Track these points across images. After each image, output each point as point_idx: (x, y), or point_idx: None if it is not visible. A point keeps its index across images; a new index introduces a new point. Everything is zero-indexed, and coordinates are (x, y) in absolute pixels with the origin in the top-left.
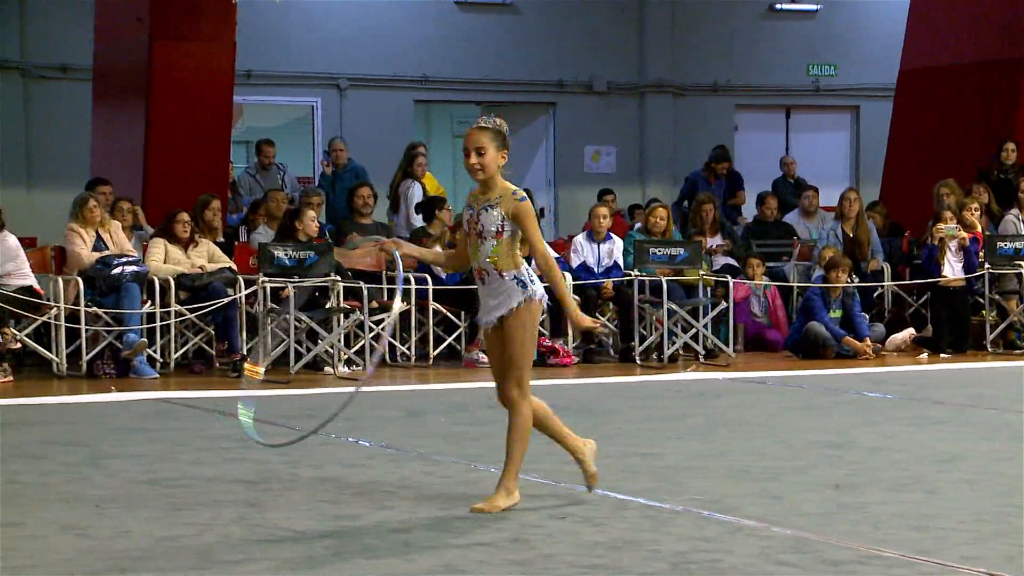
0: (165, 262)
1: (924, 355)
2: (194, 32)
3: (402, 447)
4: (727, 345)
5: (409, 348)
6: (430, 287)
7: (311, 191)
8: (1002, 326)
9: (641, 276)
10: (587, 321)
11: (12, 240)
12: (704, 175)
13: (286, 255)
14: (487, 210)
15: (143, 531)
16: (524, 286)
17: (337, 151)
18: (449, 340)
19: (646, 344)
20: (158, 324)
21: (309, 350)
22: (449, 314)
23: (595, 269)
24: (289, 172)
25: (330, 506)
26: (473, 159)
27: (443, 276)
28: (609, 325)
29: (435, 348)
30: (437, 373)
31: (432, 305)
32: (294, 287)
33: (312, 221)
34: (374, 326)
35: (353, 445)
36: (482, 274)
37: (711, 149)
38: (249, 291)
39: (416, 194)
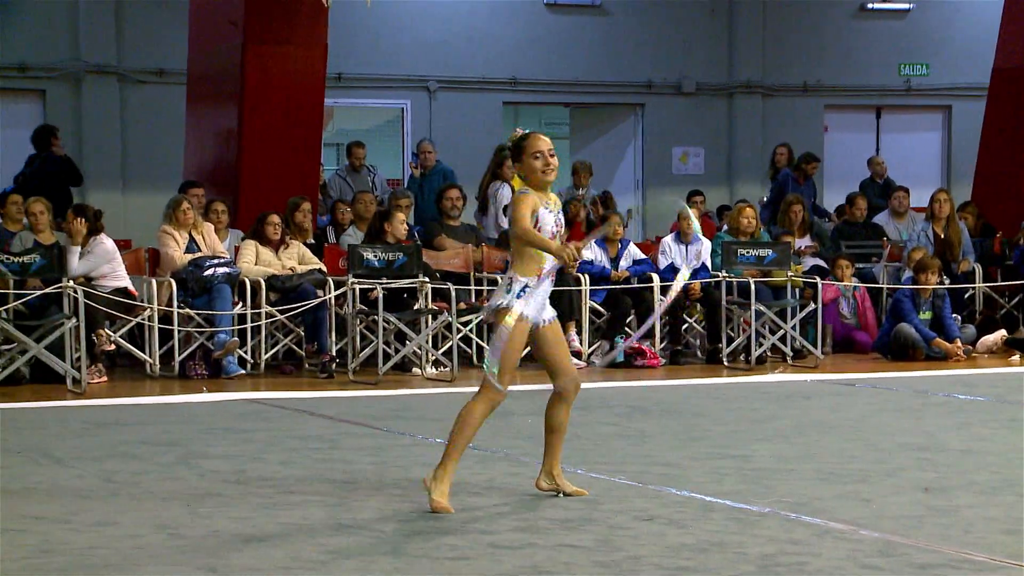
0: (256, 264)
1: (1016, 357)
2: (287, 36)
3: (489, 448)
4: (815, 347)
5: None
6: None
7: (400, 193)
8: None
9: (729, 277)
10: (570, 247)
11: (109, 243)
12: (793, 176)
13: (375, 256)
14: (561, 213)
15: (233, 530)
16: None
17: (426, 153)
18: None
19: (733, 346)
20: (249, 325)
21: (397, 351)
22: None
23: (682, 270)
24: (379, 174)
25: (416, 507)
26: (553, 160)
27: None
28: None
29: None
30: (523, 374)
31: None
32: (383, 288)
33: (401, 223)
34: (461, 327)
35: (440, 446)
36: (553, 275)
37: (801, 151)
38: (339, 292)
39: (505, 196)
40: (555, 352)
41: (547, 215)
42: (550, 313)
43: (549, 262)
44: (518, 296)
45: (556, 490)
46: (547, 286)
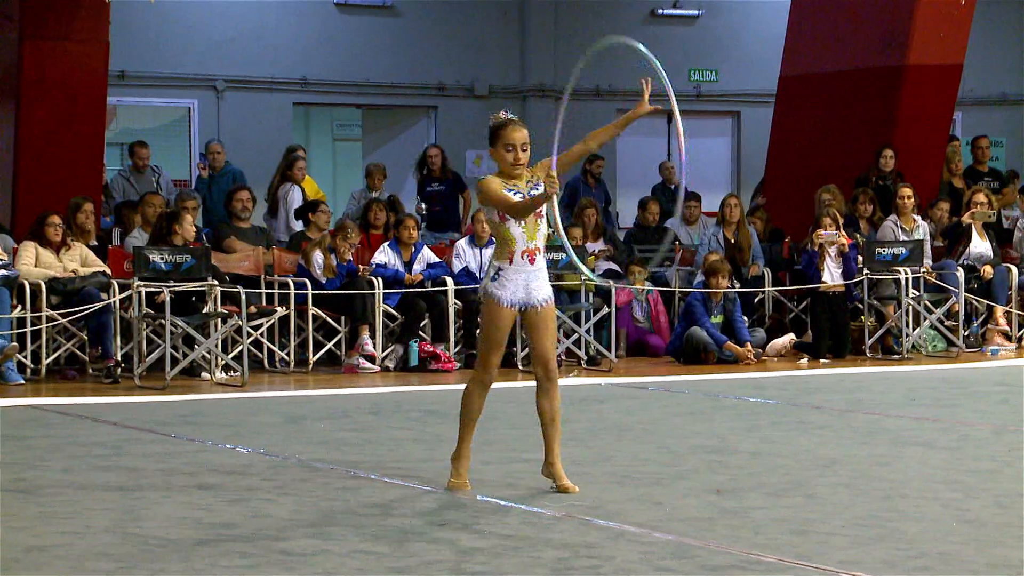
0: (36, 266)
1: (804, 360)
2: (66, 31)
3: (281, 453)
4: (609, 350)
5: (288, 353)
6: (310, 292)
7: (186, 194)
8: (880, 331)
9: None
10: (546, 183)
11: None
12: (584, 180)
13: (162, 259)
14: (537, 189)
15: (13, 541)
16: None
17: (214, 154)
18: (329, 345)
19: (528, 350)
20: (29, 329)
21: (185, 355)
22: (329, 319)
23: (478, 274)
24: (164, 175)
25: (206, 514)
26: (523, 155)
27: (323, 281)
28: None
29: (315, 353)
30: (316, 379)
31: (312, 310)
32: (170, 292)
33: (191, 225)
34: (252, 331)
35: (231, 452)
36: (535, 255)
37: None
38: (124, 295)
39: (296, 198)
40: (534, 338)
41: (512, 196)
42: (541, 296)
43: (520, 242)
44: (492, 279)
45: (552, 481)
46: (528, 268)
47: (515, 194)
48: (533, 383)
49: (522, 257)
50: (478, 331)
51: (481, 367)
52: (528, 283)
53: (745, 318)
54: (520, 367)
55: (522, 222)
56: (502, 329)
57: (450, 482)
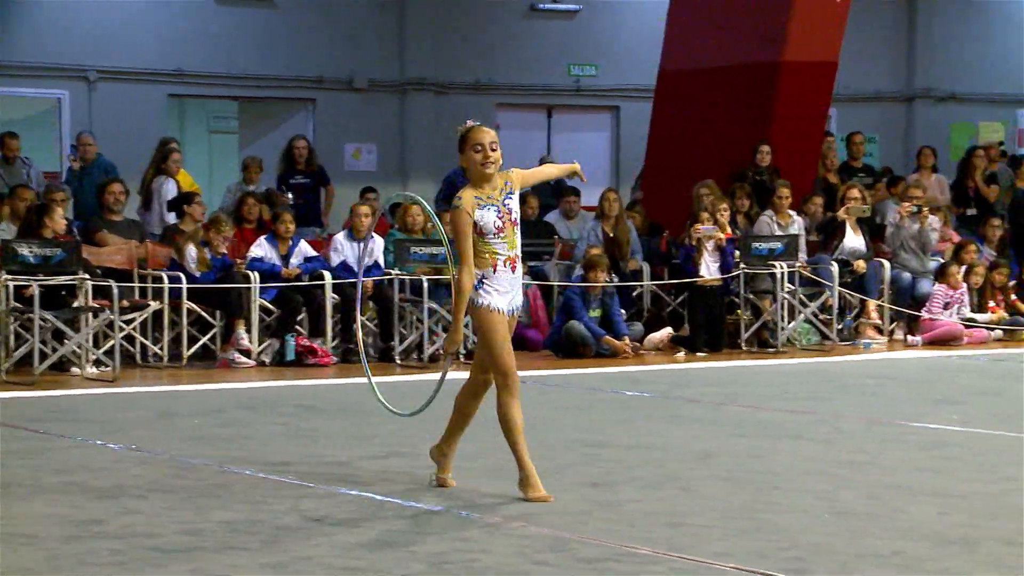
0: None
1: (681, 354)
2: None
3: (152, 449)
4: None
5: (161, 348)
6: (184, 286)
7: (54, 187)
8: (756, 325)
9: (401, 275)
10: (454, 342)
11: None
12: (463, 174)
13: (30, 252)
14: (510, 196)
15: None
16: None
17: (85, 145)
18: (203, 340)
19: (406, 344)
20: None
21: (55, 350)
22: (203, 313)
23: (356, 268)
24: (34, 166)
25: (76, 511)
26: (494, 154)
27: (197, 275)
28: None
29: (188, 348)
30: (190, 374)
31: (186, 304)
32: (39, 285)
33: (61, 218)
34: (124, 326)
35: (101, 448)
36: (516, 262)
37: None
38: None
39: (170, 191)
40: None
41: (486, 213)
42: (518, 302)
43: (502, 251)
44: (476, 288)
45: (438, 467)
46: (509, 275)
47: (488, 209)
48: (410, 378)
49: (504, 265)
50: (476, 347)
51: (501, 376)
52: (512, 289)
53: (623, 312)
54: (398, 361)
55: (501, 234)
56: (502, 333)
57: (529, 495)
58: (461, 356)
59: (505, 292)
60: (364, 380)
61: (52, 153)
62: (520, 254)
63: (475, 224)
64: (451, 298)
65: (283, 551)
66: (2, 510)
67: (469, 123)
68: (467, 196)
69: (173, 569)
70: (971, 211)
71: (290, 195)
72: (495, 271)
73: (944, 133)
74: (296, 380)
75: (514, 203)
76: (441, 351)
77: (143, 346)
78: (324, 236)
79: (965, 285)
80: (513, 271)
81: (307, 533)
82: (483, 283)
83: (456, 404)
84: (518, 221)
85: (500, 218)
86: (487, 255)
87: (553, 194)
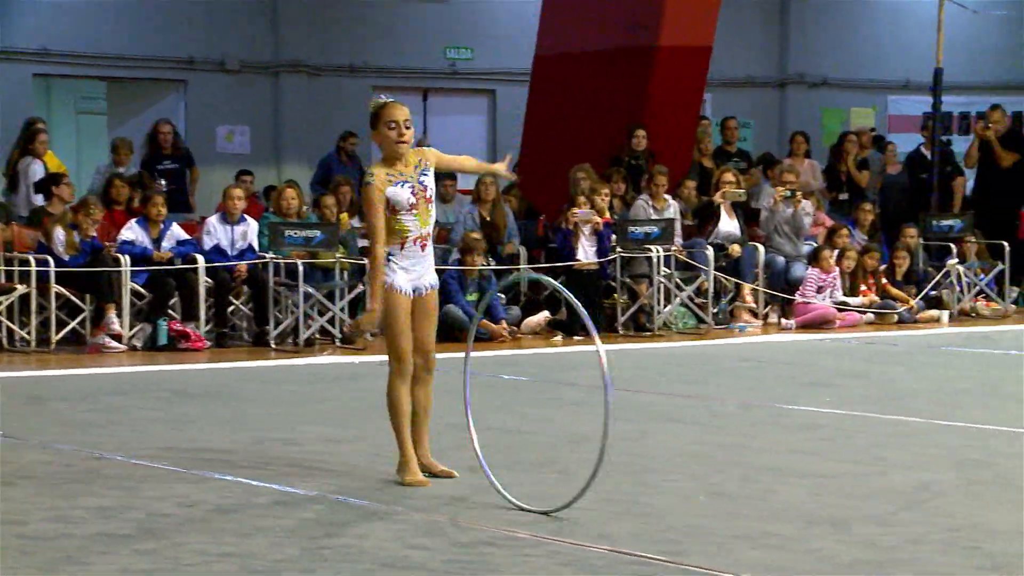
0: None
1: (558, 337)
2: None
3: (21, 435)
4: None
5: (29, 332)
6: (52, 269)
7: None
8: (633, 308)
9: (276, 258)
10: (364, 321)
11: None
12: (338, 157)
13: None
14: (425, 174)
15: None
16: None
17: None
18: (73, 324)
19: (281, 328)
20: None
21: None
22: (73, 297)
23: (229, 252)
24: None
25: None
26: (408, 132)
27: (65, 258)
28: (246, 310)
29: (57, 332)
30: (59, 358)
31: (54, 288)
32: None
33: None
34: None
35: None
36: (426, 241)
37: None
38: None
39: (36, 172)
40: (414, 325)
41: (399, 190)
42: (427, 281)
43: (413, 229)
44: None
45: (428, 472)
46: (418, 253)
47: (402, 185)
48: (285, 362)
49: (414, 243)
50: (435, 317)
51: (395, 360)
52: (418, 268)
53: (501, 296)
54: (273, 345)
55: (414, 211)
56: (402, 316)
57: (406, 479)
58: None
59: (410, 271)
60: (240, 365)
61: None
62: (431, 233)
63: (387, 201)
64: (325, 282)
65: (156, 537)
66: None
67: (382, 98)
68: (379, 173)
69: (42, 556)
70: (843, 196)
71: (163, 181)
72: (402, 248)
73: (817, 118)
74: (169, 365)
75: (429, 180)
76: (345, 329)
77: (10, 330)
78: (197, 220)
79: (837, 269)
80: (423, 250)
81: (179, 518)
82: (389, 260)
83: (388, 404)
84: (433, 198)
85: (414, 195)
86: (397, 232)
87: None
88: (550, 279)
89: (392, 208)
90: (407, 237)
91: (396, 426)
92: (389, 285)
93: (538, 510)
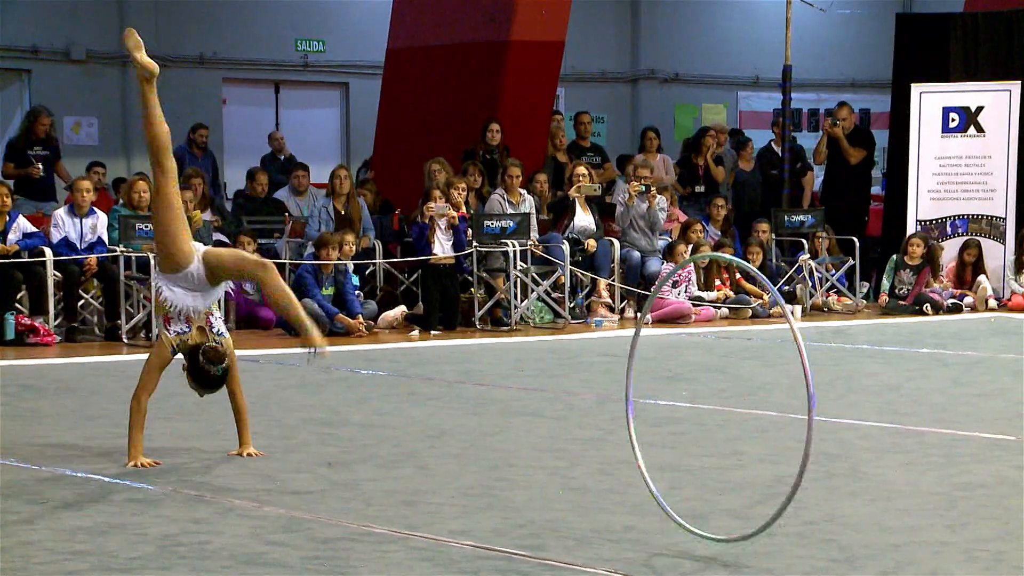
0: None
1: (415, 332)
2: None
3: None
4: None
5: None
6: None
7: None
8: (490, 303)
9: (128, 252)
10: None
11: None
12: (189, 149)
13: None
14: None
15: None
16: None
17: None
18: None
19: (134, 322)
20: None
21: None
22: None
23: (78, 244)
24: None
25: None
26: None
27: None
28: (93, 305)
29: None
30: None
31: None
32: None
33: None
34: None
35: None
36: None
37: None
38: None
39: None
40: None
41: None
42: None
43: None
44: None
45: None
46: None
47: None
48: (136, 357)
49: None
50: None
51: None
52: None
53: (358, 289)
54: (125, 340)
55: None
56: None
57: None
58: None
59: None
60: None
61: None
62: None
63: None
64: None
65: (5, 536)
66: None
67: None
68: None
69: None
70: (700, 188)
71: (40, 165)
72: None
73: (669, 113)
74: (17, 360)
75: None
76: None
77: None
78: (47, 213)
79: (692, 265)
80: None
81: (28, 515)
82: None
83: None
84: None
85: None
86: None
87: (282, 170)
88: None
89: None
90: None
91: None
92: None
93: (724, 538)
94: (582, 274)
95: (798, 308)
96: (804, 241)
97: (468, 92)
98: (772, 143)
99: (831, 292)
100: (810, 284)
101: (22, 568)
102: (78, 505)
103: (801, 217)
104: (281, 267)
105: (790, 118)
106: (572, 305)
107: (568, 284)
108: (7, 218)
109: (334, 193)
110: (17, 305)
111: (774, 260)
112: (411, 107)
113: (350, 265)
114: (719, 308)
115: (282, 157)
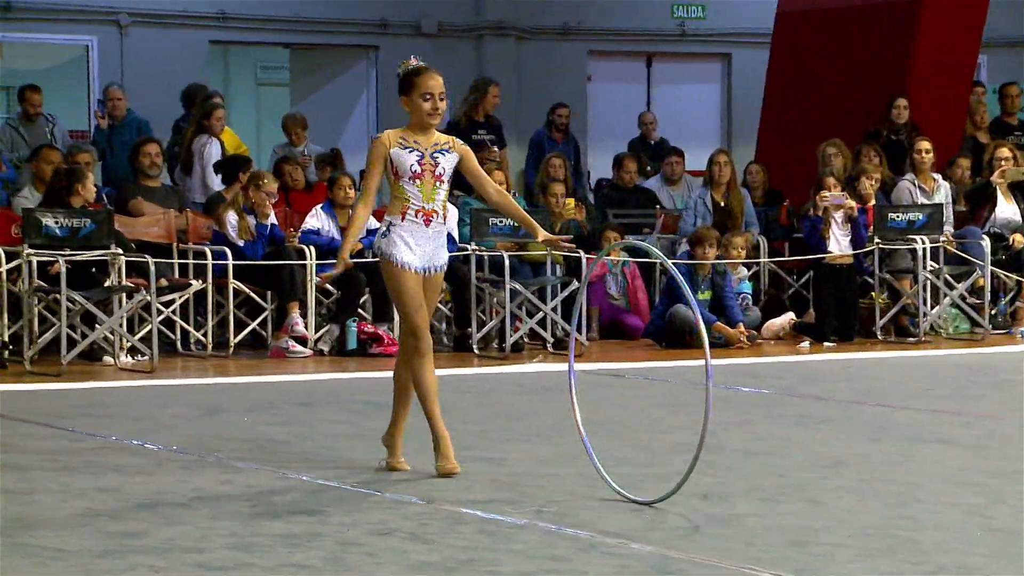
0: None
1: (805, 344)
2: None
3: (197, 451)
4: (580, 332)
5: (206, 334)
6: (230, 262)
7: (77, 148)
8: (894, 310)
9: (480, 251)
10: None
11: None
12: (548, 133)
13: (57, 223)
14: (444, 154)
15: None
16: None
17: (114, 100)
18: (253, 325)
19: (485, 330)
20: None
21: (85, 336)
22: (253, 295)
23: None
24: (60, 124)
25: (110, 521)
26: (442, 104)
27: (240, 243)
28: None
29: (236, 335)
30: (238, 364)
31: (233, 284)
32: (66, 262)
33: (93, 185)
34: (163, 308)
35: (138, 449)
36: (432, 217)
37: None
38: (11, 265)
39: (214, 153)
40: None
41: (404, 154)
42: (438, 262)
43: (415, 200)
44: (383, 235)
45: (388, 453)
46: (421, 227)
47: (411, 152)
48: (490, 370)
49: (416, 216)
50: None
51: (413, 338)
52: (423, 245)
53: (742, 294)
54: (476, 351)
55: (416, 180)
56: (410, 289)
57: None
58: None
59: (415, 248)
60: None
61: (80, 108)
62: (440, 211)
63: (392, 162)
64: (535, 278)
65: (347, 569)
66: (27, 519)
67: (414, 61)
68: (391, 133)
69: None
70: None
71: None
72: (403, 218)
73: None
74: (359, 372)
75: (446, 162)
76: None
77: (184, 332)
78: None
79: None
80: (427, 224)
81: (373, 548)
82: (390, 230)
83: (394, 380)
84: (444, 180)
85: (421, 164)
86: (399, 200)
87: (653, 155)
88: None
89: (395, 171)
90: (408, 207)
91: (427, 409)
92: (394, 262)
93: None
94: (1005, 276)
95: None
96: None
97: (871, 61)
98: None
99: None
100: None
101: None
102: (425, 537)
103: None
104: (650, 268)
105: None
106: (993, 312)
107: (988, 287)
108: (350, 211)
109: (712, 182)
110: (360, 311)
111: None
112: (804, 80)
113: (743, 269)
114: None
115: (652, 141)
